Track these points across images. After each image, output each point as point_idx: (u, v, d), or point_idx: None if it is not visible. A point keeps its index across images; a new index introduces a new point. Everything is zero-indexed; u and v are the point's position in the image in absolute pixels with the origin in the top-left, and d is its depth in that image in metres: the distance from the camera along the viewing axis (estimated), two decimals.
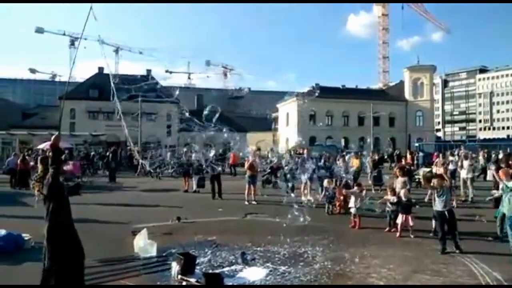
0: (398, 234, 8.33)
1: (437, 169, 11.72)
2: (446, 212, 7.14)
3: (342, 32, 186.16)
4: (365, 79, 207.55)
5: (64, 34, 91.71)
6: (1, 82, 74.72)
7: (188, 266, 5.44)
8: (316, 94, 34.13)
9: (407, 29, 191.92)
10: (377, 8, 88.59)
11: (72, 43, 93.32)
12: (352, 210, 9.40)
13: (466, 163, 14.27)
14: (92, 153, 27.71)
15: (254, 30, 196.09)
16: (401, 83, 63.69)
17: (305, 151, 15.46)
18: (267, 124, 55.83)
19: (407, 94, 59.65)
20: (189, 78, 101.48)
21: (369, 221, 9.44)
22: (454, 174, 16.85)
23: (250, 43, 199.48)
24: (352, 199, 9.49)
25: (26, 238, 7.26)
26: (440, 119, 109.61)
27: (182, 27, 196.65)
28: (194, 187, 16.11)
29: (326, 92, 52.83)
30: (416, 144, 47.28)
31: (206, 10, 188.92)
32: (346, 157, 15.86)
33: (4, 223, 8.18)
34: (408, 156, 15.54)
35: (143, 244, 6.80)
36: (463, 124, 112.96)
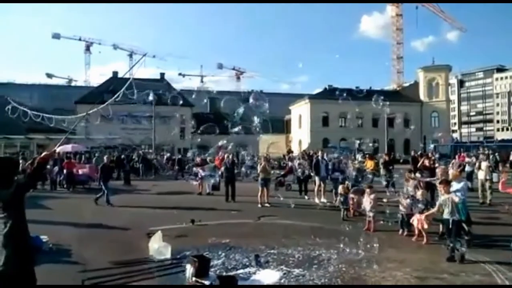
0: (415, 237, 8.17)
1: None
2: (450, 221, 6.76)
3: (355, 33, 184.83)
4: (379, 80, 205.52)
5: (79, 40, 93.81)
6: (19, 88, 76.37)
7: (202, 269, 5.45)
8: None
9: (422, 29, 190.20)
10: (391, 8, 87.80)
11: (88, 48, 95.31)
12: (367, 213, 9.31)
13: (484, 164, 13.95)
14: (122, 156, 27.54)
15: (266, 32, 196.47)
16: (416, 83, 62.87)
17: (320, 152, 15.37)
18: (280, 126, 55.82)
19: (422, 95, 58.83)
20: (202, 81, 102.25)
21: (384, 224, 9.32)
22: (471, 176, 16.55)
23: (262, 45, 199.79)
24: (366, 201, 9.38)
25: (44, 240, 7.39)
26: (456, 120, 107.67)
27: (193, 31, 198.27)
28: (208, 189, 16.21)
29: (340, 94, 52.51)
30: (432, 146, 46.56)
31: (218, 12, 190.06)
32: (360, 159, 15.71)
33: None
34: (426, 161, 14.29)
35: (158, 247, 6.85)
36: (480, 125, 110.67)
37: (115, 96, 13.23)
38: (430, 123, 57.58)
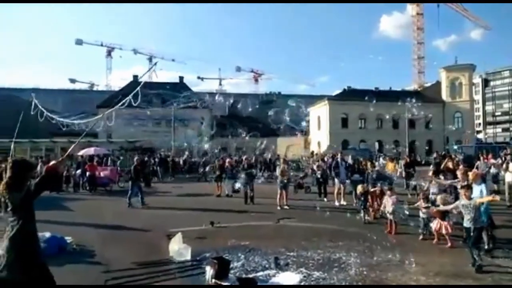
0: (434, 240, 7.98)
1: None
2: (472, 229, 6.36)
3: (374, 33, 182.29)
4: (400, 81, 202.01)
5: (101, 45, 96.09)
6: (44, 93, 78.76)
7: (222, 271, 5.47)
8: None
9: (444, 28, 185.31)
10: (411, 8, 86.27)
11: (109, 53, 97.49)
12: (388, 215, 9.16)
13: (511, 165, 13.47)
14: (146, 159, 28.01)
15: (284, 33, 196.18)
16: (438, 84, 61.55)
17: (339, 154, 15.21)
18: (298, 128, 55.50)
19: (445, 95, 57.53)
20: (220, 84, 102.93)
21: (406, 226, 9.13)
22: (497, 177, 16.03)
23: (280, 47, 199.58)
24: (388, 203, 9.22)
25: (68, 241, 7.58)
26: (481, 120, 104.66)
27: (212, 34, 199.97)
28: (227, 191, 16.28)
29: (359, 95, 51.98)
30: (455, 147, 45.43)
31: (237, 14, 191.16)
32: (381, 161, 15.46)
33: (47, 226, 8.57)
34: (449, 163, 13.52)
35: (178, 248, 6.92)
36: (507, 125, 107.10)
37: (119, 104, 13.59)
38: (453, 124, 56.16)
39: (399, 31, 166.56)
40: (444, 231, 7.76)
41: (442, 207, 7.74)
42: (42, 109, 20.67)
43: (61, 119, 21.80)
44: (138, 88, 12.93)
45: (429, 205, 8.47)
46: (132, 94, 13.44)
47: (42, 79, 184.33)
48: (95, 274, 6.08)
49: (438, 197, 8.59)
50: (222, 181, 16.65)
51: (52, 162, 3.73)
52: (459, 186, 8.66)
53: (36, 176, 3.78)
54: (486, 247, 7.11)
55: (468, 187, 6.87)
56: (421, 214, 8.59)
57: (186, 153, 31.62)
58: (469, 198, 6.53)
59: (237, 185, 14.58)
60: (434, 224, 7.99)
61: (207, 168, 23.10)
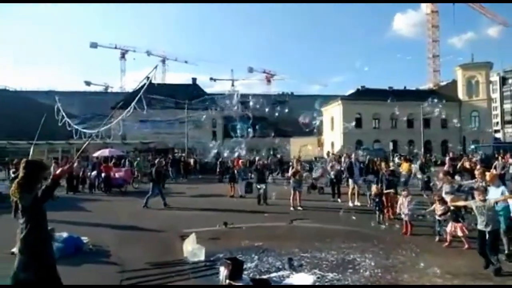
0: (446, 243, 7.74)
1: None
2: (487, 233, 6.05)
3: (388, 32, 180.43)
4: (414, 80, 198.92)
5: (115, 48, 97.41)
6: (61, 95, 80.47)
7: (235, 271, 5.48)
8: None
9: (459, 25, 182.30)
10: (425, 6, 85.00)
11: (123, 56, 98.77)
12: (403, 216, 9.03)
13: None
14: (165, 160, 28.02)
15: (297, 33, 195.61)
16: (454, 82, 60.43)
17: (353, 154, 15.07)
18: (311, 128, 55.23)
19: (461, 93, 56.44)
20: (232, 85, 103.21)
21: (421, 228, 8.99)
22: None
23: (293, 46, 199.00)
24: (404, 204, 9.09)
25: (84, 241, 7.70)
26: (499, 119, 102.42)
27: (225, 35, 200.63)
28: (241, 192, 16.31)
29: (373, 95, 51.37)
30: (472, 147, 44.54)
31: (250, 14, 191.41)
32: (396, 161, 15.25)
33: (64, 226, 8.72)
34: (466, 162, 13.13)
35: (192, 249, 6.95)
36: None
37: (125, 111, 13.75)
38: (470, 123, 55.05)
39: (413, 29, 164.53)
40: (460, 233, 7.60)
41: (454, 203, 7.57)
42: (64, 114, 20.93)
43: (77, 127, 22.12)
44: (141, 93, 13.01)
45: (445, 207, 8.26)
46: (135, 101, 13.57)
47: (58, 81, 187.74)
48: (111, 274, 6.16)
49: (449, 198, 8.42)
50: (235, 182, 16.69)
51: (59, 170, 3.70)
52: (476, 187, 8.50)
53: (49, 177, 3.79)
54: (506, 251, 6.86)
55: (484, 190, 6.61)
56: (436, 216, 8.43)
57: (197, 153, 31.73)
58: (484, 200, 6.26)
59: (259, 186, 14.22)
60: (449, 227, 7.81)
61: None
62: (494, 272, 5.90)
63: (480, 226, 6.20)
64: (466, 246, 7.48)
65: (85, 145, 6.35)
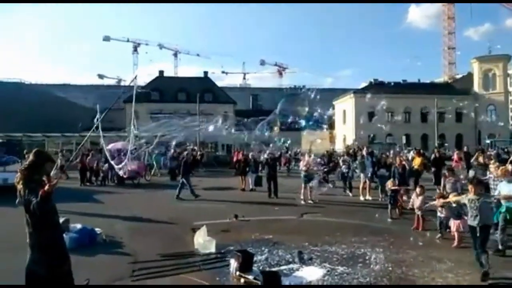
0: (455, 243, 7.32)
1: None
2: (478, 228, 5.66)
3: (402, 24, 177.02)
4: (429, 72, 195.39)
5: (128, 41, 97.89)
6: (75, 89, 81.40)
7: (246, 264, 5.53)
8: None
9: (477, 17, 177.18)
10: None
11: (135, 49, 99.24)
12: (416, 211, 8.95)
13: None
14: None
15: (309, 25, 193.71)
16: (469, 75, 59.26)
17: (364, 148, 14.97)
18: (323, 122, 54.88)
19: (477, 87, 55.32)
20: (244, 78, 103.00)
21: (433, 223, 8.90)
22: None
23: (306, 40, 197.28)
24: (416, 199, 9.00)
25: (98, 232, 7.85)
26: None
27: (237, 28, 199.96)
28: (251, 185, 16.38)
29: (386, 88, 50.69)
30: (488, 141, 43.74)
31: (261, 7, 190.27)
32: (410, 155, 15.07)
33: (78, 218, 8.91)
34: (480, 157, 12.69)
35: (203, 241, 7.03)
36: None
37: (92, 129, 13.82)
38: (486, 117, 53.93)
39: (428, 21, 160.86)
40: (462, 229, 7.27)
41: (440, 201, 7.49)
42: (98, 115, 21.01)
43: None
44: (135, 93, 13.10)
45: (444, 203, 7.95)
46: (104, 114, 13.85)
47: (72, 75, 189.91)
48: (123, 265, 6.27)
49: (451, 195, 8.19)
50: (246, 175, 16.76)
51: (46, 187, 3.38)
52: (491, 182, 8.33)
53: (56, 168, 3.79)
54: (500, 247, 6.68)
55: (478, 183, 6.20)
56: (438, 213, 8.26)
57: (208, 147, 31.75)
58: (478, 194, 5.82)
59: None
60: (453, 225, 7.49)
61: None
62: (481, 276, 5.48)
63: (471, 221, 5.82)
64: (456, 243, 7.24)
65: (84, 140, 6.43)
